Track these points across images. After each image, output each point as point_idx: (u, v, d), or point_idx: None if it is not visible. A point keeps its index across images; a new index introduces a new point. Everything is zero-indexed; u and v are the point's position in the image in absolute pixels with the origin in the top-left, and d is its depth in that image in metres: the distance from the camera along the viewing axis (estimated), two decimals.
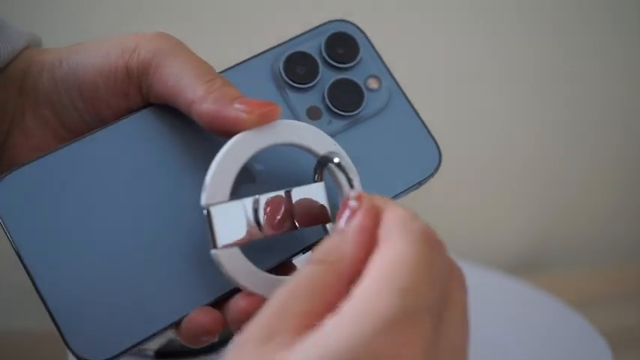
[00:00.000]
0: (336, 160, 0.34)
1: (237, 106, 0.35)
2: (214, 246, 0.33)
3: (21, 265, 0.34)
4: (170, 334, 0.54)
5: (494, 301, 0.63)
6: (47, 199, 0.34)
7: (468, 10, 0.84)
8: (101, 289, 0.34)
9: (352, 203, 0.31)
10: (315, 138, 0.35)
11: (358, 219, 0.30)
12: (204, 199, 0.33)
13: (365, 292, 0.27)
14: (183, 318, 0.35)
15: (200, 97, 0.35)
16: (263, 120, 0.35)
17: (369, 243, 0.30)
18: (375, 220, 0.30)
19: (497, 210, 0.89)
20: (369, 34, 0.42)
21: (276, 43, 0.40)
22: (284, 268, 0.36)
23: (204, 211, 0.33)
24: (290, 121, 0.36)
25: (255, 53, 0.40)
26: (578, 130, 0.91)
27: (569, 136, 0.90)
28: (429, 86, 0.82)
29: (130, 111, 0.37)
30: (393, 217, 0.30)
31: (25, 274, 0.34)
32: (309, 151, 0.35)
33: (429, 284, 0.28)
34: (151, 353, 0.53)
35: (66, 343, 0.33)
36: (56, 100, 0.39)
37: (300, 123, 0.36)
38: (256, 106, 0.35)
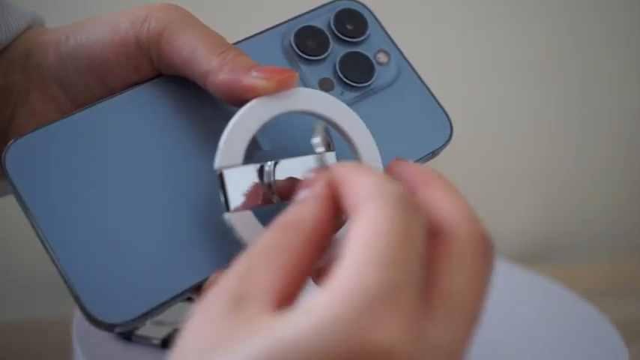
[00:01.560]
0: (315, 141, 0.34)
1: (254, 74, 0.34)
2: (227, 209, 0.33)
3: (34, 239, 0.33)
4: (176, 325, 0.54)
5: (505, 292, 0.62)
6: (60, 164, 0.34)
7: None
8: (117, 252, 0.33)
9: (309, 175, 0.30)
10: (332, 106, 0.35)
11: (316, 188, 0.30)
12: (217, 162, 0.33)
13: (347, 268, 0.26)
14: (203, 282, 0.34)
15: (215, 68, 0.35)
16: (281, 87, 0.34)
17: (330, 206, 0.29)
18: (335, 190, 0.29)
19: (506, 200, 0.89)
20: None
21: (280, 21, 0.40)
22: None
23: (217, 174, 0.33)
24: (306, 89, 0.36)
25: (260, 30, 0.40)
26: (588, 123, 0.91)
27: (579, 128, 0.90)
28: (439, 79, 0.82)
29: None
30: (365, 182, 0.28)
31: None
32: (325, 119, 0.35)
33: (411, 255, 0.26)
34: (157, 342, 0.53)
35: (82, 308, 0.32)
36: (65, 78, 0.38)
37: (316, 91, 0.36)
38: (274, 73, 0.34)
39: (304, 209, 0.29)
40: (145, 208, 0.34)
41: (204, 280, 0.34)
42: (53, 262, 0.33)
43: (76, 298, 0.32)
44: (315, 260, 0.29)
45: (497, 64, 0.85)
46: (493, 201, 0.89)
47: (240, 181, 0.33)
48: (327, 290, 0.25)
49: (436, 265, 0.27)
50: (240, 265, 0.28)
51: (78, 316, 0.52)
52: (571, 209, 0.92)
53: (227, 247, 0.34)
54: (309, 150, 0.35)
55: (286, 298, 0.27)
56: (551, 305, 0.60)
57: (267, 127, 0.35)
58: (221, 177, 0.33)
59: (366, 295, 0.25)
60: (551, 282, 0.62)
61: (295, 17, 0.40)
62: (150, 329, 0.53)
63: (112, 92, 0.37)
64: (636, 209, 0.95)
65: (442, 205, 0.29)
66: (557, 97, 0.89)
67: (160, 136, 0.36)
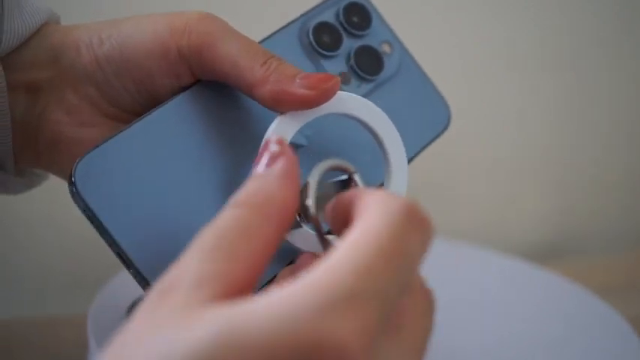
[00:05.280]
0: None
1: (298, 82, 0.35)
2: None
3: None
4: None
5: (517, 289, 0.62)
6: (129, 175, 0.35)
7: None
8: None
9: (274, 147, 0.30)
10: (361, 106, 0.37)
11: (281, 163, 0.29)
12: None
13: (327, 264, 0.25)
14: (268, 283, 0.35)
15: (260, 80, 0.36)
16: (326, 96, 0.35)
17: (295, 187, 0.28)
18: (296, 167, 0.29)
19: (516, 198, 0.89)
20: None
21: (282, 20, 0.41)
22: None
23: None
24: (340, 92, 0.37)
25: (269, 30, 0.41)
26: (599, 117, 0.90)
27: (589, 122, 0.90)
28: (446, 71, 0.81)
29: (181, 87, 0.38)
30: (377, 195, 0.28)
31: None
32: (356, 119, 0.37)
33: (394, 273, 0.26)
34: None
35: None
36: (102, 80, 0.38)
37: (344, 93, 0.37)
38: (319, 82, 0.35)
39: (270, 188, 0.28)
40: (211, 211, 0.35)
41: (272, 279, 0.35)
42: (132, 270, 0.34)
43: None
44: (278, 244, 0.28)
45: (517, 48, 0.85)
46: (504, 198, 0.88)
47: None
48: (297, 283, 0.25)
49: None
50: (202, 243, 0.27)
51: (93, 313, 0.52)
52: (582, 205, 0.91)
53: (287, 250, 0.35)
54: (343, 144, 0.37)
55: (243, 286, 0.26)
56: (563, 302, 0.60)
57: (303, 126, 0.37)
58: None
59: (334, 294, 0.24)
60: (564, 279, 0.62)
61: (304, 14, 0.41)
62: None
63: (150, 95, 0.38)
64: None
65: None
66: (570, 89, 0.88)
67: (215, 138, 0.37)
